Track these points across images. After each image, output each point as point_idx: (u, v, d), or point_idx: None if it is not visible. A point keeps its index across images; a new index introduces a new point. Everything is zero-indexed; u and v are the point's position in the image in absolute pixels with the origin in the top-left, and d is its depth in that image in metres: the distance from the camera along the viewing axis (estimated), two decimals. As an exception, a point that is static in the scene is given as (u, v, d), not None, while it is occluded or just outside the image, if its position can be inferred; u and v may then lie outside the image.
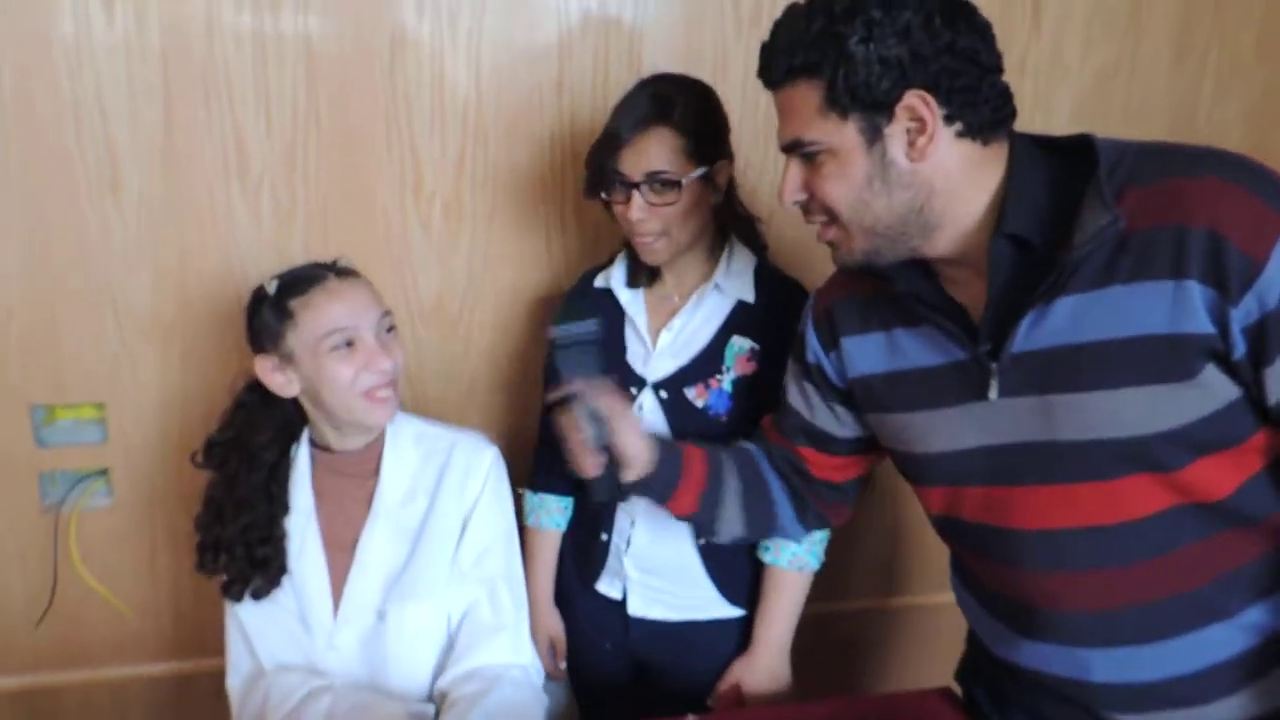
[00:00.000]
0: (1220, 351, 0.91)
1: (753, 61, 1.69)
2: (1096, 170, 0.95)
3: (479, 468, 1.40)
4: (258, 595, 1.35)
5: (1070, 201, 0.97)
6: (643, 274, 1.47)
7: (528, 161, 1.70)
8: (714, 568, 1.47)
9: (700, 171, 1.34)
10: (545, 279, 1.77)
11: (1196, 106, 1.93)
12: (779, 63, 1.01)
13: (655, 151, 1.31)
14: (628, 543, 1.50)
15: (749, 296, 1.40)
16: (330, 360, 1.29)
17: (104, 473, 1.71)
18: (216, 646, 1.78)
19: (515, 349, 1.79)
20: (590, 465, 1.18)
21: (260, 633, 1.36)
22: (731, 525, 1.26)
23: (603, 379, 1.17)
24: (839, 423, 1.24)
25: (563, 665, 1.61)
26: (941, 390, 1.08)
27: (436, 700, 1.35)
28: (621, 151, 1.32)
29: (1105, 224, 0.92)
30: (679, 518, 1.28)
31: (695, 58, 1.69)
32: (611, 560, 1.52)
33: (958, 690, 1.33)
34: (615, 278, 1.49)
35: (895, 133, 0.97)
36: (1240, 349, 0.90)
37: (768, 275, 1.43)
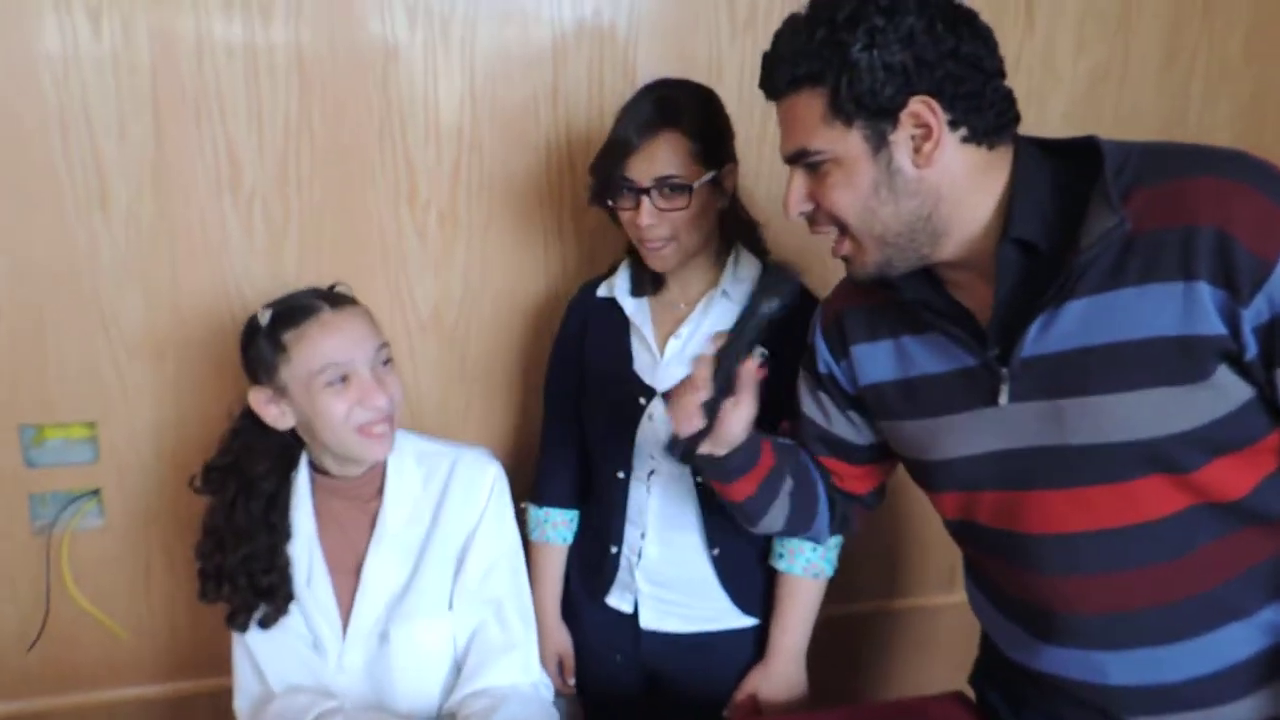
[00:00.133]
0: (1232, 352, 0.91)
1: (747, 66, 1.74)
2: (1102, 172, 0.95)
3: (481, 486, 1.38)
4: (265, 624, 1.32)
5: (1076, 204, 0.97)
6: (647, 282, 1.46)
7: (523, 170, 1.68)
8: (727, 578, 1.46)
9: (709, 176, 1.34)
10: (542, 288, 1.76)
11: (1186, 108, 1.95)
12: (781, 72, 1.00)
13: (664, 156, 1.31)
14: (638, 555, 1.48)
15: None
16: (324, 396, 1.26)
17: (96, 493, 1.68)
18: (213, 666, 1.78)
19: (513, 359, 1.78)
20: (693, 422, 1.11)
21: (269, 657, 1.34)
22: (775, 519, 1.24)
23: (754, 355, 1.12)
24: (856, 430, 1.23)
25: (571, 681, 1.59)
26: (952, 396, 1.07)
27: (445, 720, 1.33)
28: (630, 158, 1.32)
29: (1112, 226, 0.92)
30: (726, 501, 1.25)
31: (689, 63, 1.68)
32: (622, 573, 1.51)
33: (971, 694, 1.32)
34: (619, 287, 1.48)
35: (900, 140, 0.96)
36: (1252, 349, 0.90)
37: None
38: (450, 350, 1.75)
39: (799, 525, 1.26)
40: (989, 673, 1.27)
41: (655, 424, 1.43)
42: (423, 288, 1.70)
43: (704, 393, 1.09)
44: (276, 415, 1.30)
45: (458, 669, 1.37)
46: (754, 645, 1.49)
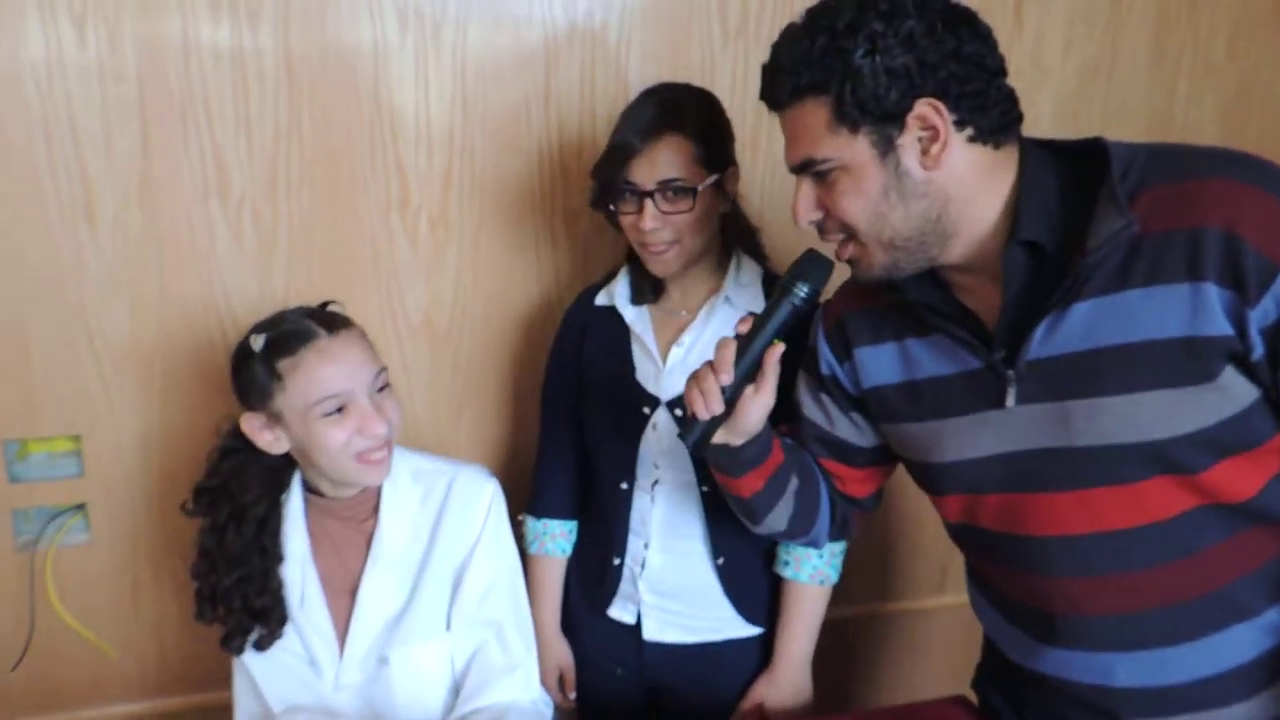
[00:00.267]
0: (1239, 353, 0.91)
1: (739, 71, 1.73)
2: (1109, 174, 0.95)
3: (479, 505, 1.36)
4: (260, 646, 1.30)
5: (1083, 206, 0.96)
6: (647, 290, 1.44)
7: (515, 175, 1.67)
8: (732, 587, 1.45)
9: (713, 179, 1.33)
10: (534, 294, 1.74)
11: (1173, 105, 1.96)
12: (783, 83, 0.99)
13: (668, 159, 1.30)
14: (642, 566, 1.47)
15: (760, 308, 1.37)
16: (322, 425, 1.23)
17: (81, 508, 1.64)
18: (203, 682, 1.75)
19: (505, 366, 1.76)
20: (710, 407, 1.08)
21: (267, 676, 1.32)
22: (778, 519, 1.23)
23: (780, 344, 1.09)
24: (859, 432, 1.22)
25: (572, 696, 1.57)
26: (957, 399, 1.07)
27: (446, 740, 1.31)
28: (633, 161, 1.30)
29: (1119, 228, 0.92)
30: (732, 497, 1.24)
31: (682, 68, 1.67)
32: (624, 585, 1.49)
33: (973, 698, 1.32)
34: (619, 295, 1.46)
35: (908, 143, 0.96)
36: (1259, 350, 0.90)
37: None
38: (442, 357, 1.73)
39: (801, 527, 1.25)
40: (991, 676, 1.26)
41: (659, 433, 1.42)
42: (414, 294, 1.68)
43: (726, 377, 1.07)
44: (270, 441, 1.27)
45: (456, 689, 1.35)
46: (758, 654, 1.48)
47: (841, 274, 1.11)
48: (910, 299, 1.06)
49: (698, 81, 1.53)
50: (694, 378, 1.10)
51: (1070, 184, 0.99)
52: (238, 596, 1.28)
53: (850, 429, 1.22)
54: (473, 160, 1.64)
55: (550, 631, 1.54)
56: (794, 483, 1.21)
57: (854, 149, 0.97)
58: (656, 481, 1.44)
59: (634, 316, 1.45)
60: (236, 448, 1.32)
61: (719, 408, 1.08)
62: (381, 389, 1.28)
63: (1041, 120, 1.87)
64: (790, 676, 1.44)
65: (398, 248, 1.65)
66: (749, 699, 1.46)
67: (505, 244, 1.70)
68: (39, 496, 1.62)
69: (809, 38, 0.97)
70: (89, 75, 1.47)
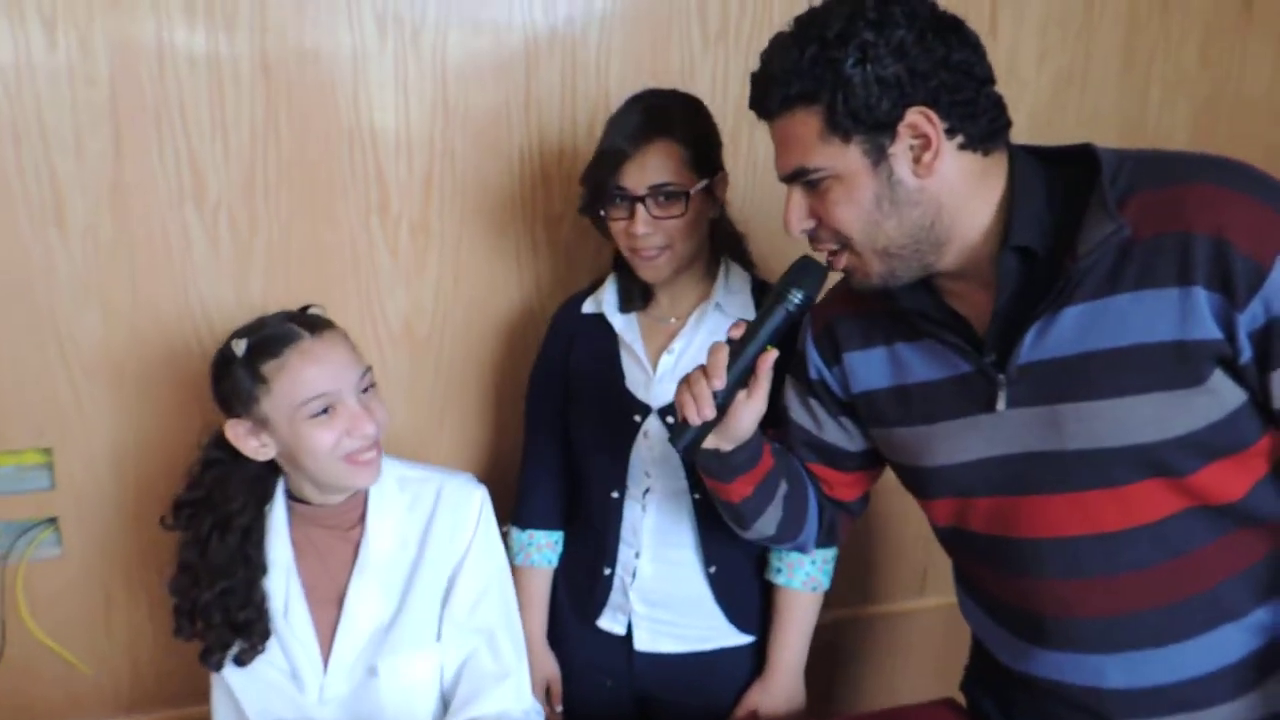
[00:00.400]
0: (1227, 356, 0.92)
1: (719, 76, 1.73)
2: (1099, 179, 0.96)
3: (468, 513, 1.34)
4: (241, 661, 1.28)
5: (1072, 211, 0.97)
6: (636, 297, 1.44)
7: (496, 180, 1.66)
8: (724, 596, 1.44)
9: (703, 183, 1.33)
10: (516, 300, 1.73)
11: (1145, 111, 1.98)
12: (774, 93, 0.99)
13: (658, 164, 1.30)
14: (633, 576, 1.45)
15: (750, 314, 1.38)
16: (309, 427, 1.21)
17: (52, 521, 1.61)
18: (178, 698, 1.72)
19: (487, 372, 1.75)
20: (702, 413, 1.07)
21: (248, 692, 1.29)
22: (767, 524, 1.22)
23: (773, 350, 1.09)
24: (848, 436, 1.22)
25: (559, 709, 1.55)
26: (947, 403, 1.07)
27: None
28: (624, 166, 1.30)
29: (1110, 233, 0.93)
30: (721, 503, 1.23)
31: (662, 73, 1.67)
32: (615, 595, 1.48)
33: (961, 700, 1.32)
34: (607, 302, 1.45)
35: (900, 151, 0.96)
36: (1247, 354, 0.91)
37: (767, 292, 1.41)
38: (422, 364, 1.71)
39: (790, 532, 1.25)
40: (980, 678, 1.27)
41: (651, 441, 1.41)
42: (394, 300, 1.66)
43: (719, 381, 1.06)
44: (256, 448, 1.25)
45: (445, 702, 1.33)
46: (750, 663, 1.48)
47: (832, 279, 1.11)
48: (902, 306, 1.07)
49: (678, 86, 1.53)
50: (686, 382, 1.09)
51: (1059, 189, 1.00)
52: (219, 610, 1.26)
53: (839, 434, 1.22)
54: (453, 166, 1.63)
55: (537, 644, 1.52)
56: (783, 488, 1.21)
57: (846, 158, 0.97)
58: (648, 490, 1.43)
59: (623, 324, 1.44)
60: (219, 458, 1.29)
61: (711, 413, 1.07)
62: (367, 389, 1.27)
63: (1017, 128, 1.86)
64: (784, 684, 1.44)
65: (377, 253, 1.63)
66: (743, 707, 1.45)
67: (486, 250, 1.69)
68: (8, 510, 1.58)
69: (799, 47, 0.96)
70: (59, 78, 1.44)
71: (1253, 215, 0.90)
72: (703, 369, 1.08)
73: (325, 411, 1.22)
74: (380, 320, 1.66)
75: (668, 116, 1.31)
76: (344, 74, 1.55)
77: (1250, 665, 1.02)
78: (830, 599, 2.03)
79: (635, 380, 1.43)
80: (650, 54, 1.67)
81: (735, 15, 1.70)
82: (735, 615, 1.45)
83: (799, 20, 1.00)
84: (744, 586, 1.46)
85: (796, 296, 1.05)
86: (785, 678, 1.44)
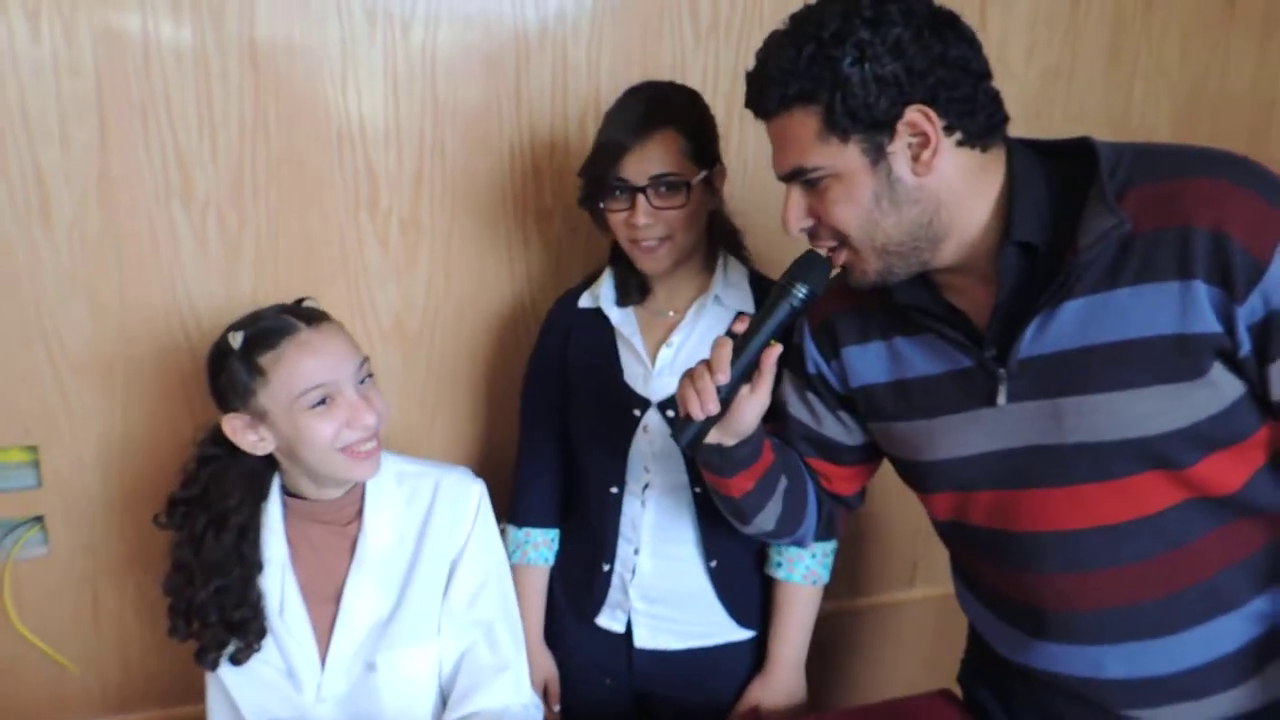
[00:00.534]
0: (1227, 349, 0.93)
1: (710, 71, 1.73)
2: (1098, 173, 0.96)
3: (466, 507, 1.34)
4: (237, 660, 1.27)
5: (1071, 205, 0.98)
6: (633, 291, 1.43)
7: (487, 175, 1.65)
8: (725, 591, 1.44)
9: (703, 174, 1.33)
10: (507, 295, 1.72)
11: (1129, 108, 2.00)
12: (771, 93, 0.99)
13: (659, 155, 1.29)
14: (632, 572, 1.45)
15: (749, 307, 1.38)
16: (308, 419, 1.20)
17: (38, 520, 1.58)
18: (167, 698, 1.70)
19: (479, 368, 1.74)
20: (705, 407, 1.06)
21: (244, 691, 1.28)
22: (767, 519, 1.22)
23: (778, 345, 1.08)
24: (847, 431, 1.23)
25: (557, 708, 1.55)
26: (947, 397, 1.08)
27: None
28: (625, 157, 1.29)
29: (1111, 226, 0.93)
30: (721, 498, 1.23)
31: (654, 67, 1.67)
32: (614, 592, 1.47)
33: (958, 691, 1.33)
34: (604, 297, 1.45)
35: (899, 150, 0.96)
36: (1246, 346, 0.92)
37: (765, 286, 1.41)
38: (414, 360, 1.70)
39: (789, 527, 1.25)
40: (978, 670, 1.28)
41: (651, 435, 1.41)
42: (384, 296, 1.65)
43: (723, 376, 1.06)
44: (254, 442, 1.24)
45: (443, 697, 1.32)
46: (750, 658, 1.48)
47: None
48: (900, 301, 1.07)
49: (669, 80, 1.53)
50: (689, 377, 1.09)
51: (1058, 183, 1.00)
52: (214, 609, 1.24)
53: (838, 428, 1.23)
54: (443, 160, 1.62)
55: (534, 643, 1.51)
56: (783, 483, 1.21)
57: (845, 157, 0.97)
58: (647, 485, 1.43)
59: (620, 318, 1.43)
60: (215, 454, 1.28)
61: (715, 408, 1.07)
62: (365, 380, 1.26)
63: (1006, 121, 1.89)
64: (785, 678, 1.44)
65: (367, 249, 1.62)
66: (744, 702, 1.46)
67: (477, 244, 1.68)
68: (-7, 509, 1.56)
69: (795, 46, 0.96)
70: (43, 69, 1.42)
71: (1251, 209, 0.90)
72: (706, 363, 1.08)
73: (324, 402, 1.21)
74: (371, 316, 1.65)
75: (668, 107, 1.31)
76: (333, 68, 1.53)
77: (1249, 654, 1.03)
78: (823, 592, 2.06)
79: (634, 374, 1.43)
80: (641, 48, 1.67)
81: (726, 10, 1.69)
82: (736, 610, 1.45)
83: (794, 19, 0.99)
84: (744, 581, 1.46)
85: (801, 291, 1.05)
86: (786, 672, 1.44)
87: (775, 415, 1.27)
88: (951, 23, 0.97)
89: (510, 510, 1.55)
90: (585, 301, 1.48)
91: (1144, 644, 1.03)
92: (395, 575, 1.31)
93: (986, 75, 1.00)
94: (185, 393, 1.58)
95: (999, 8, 1.84)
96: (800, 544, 1.33)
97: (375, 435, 1.25)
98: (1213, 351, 0.93)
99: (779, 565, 1.43)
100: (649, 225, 1.31)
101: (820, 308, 1.20)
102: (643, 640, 1.47)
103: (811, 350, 1.21)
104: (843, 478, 1.27)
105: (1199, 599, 1.01)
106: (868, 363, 1.15)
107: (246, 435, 1.24)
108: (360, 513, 1.30)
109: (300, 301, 1.31)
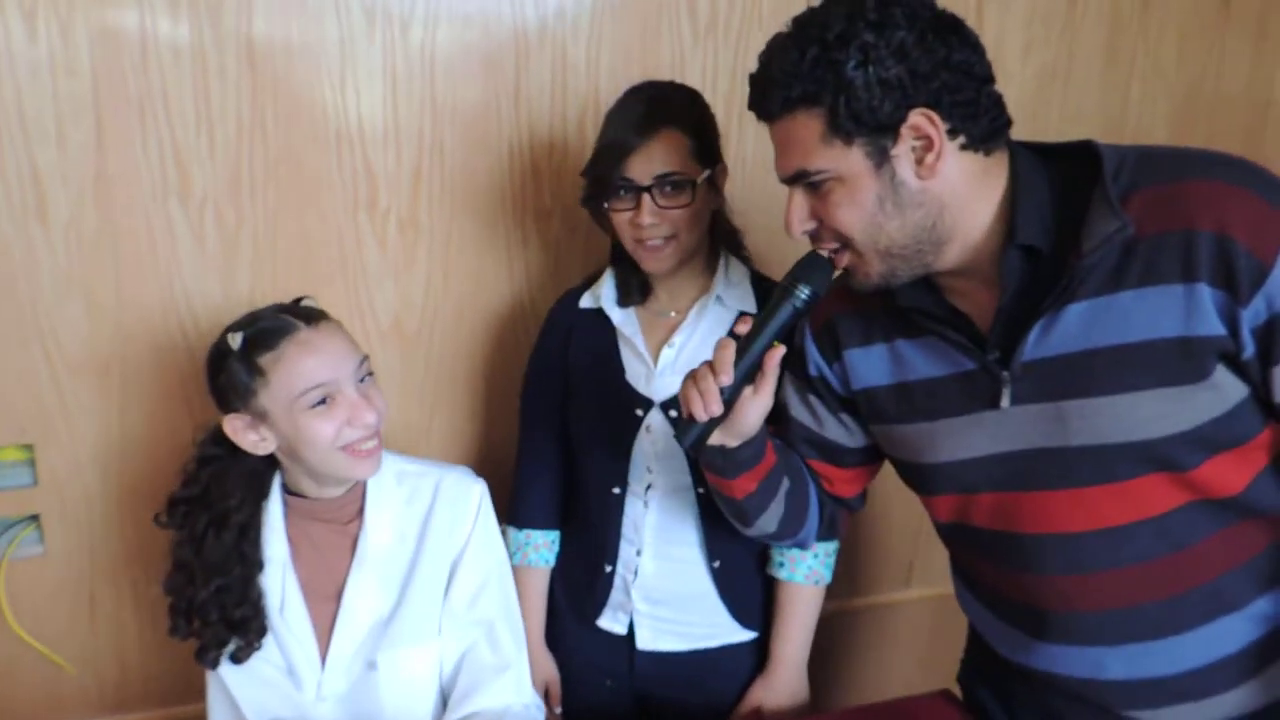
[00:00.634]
0: (1231, 352, 0.93)
1: (709, 70, 1.73)
2: (1102, 175, 0.96)
3: (467, 506, 1.34)
4: (238, 659, 1.26)
5: (1074, 208, 0.98)
6: (634, 291, 1.43)
7: (486, 175, 1.64)
8: (727, 591, 1.44)
9: (707, 173, 1.33)
10: (506, 295, 1.72)
11: (1126, 108, 2.01)
12: (775, 95, 0.99)
13: (665, 154, 1.29)
14: (634, 573, 1.45)
15: (750, 307, 1.38)
16: (308, 418, 1.20)
17: (34, 519, 1.58)
18: (164, 697, 1.70)
19: (477, 367, 1.74)
20: (708, 409, 1.06)
21: (245, 690, 1.28)
22: (769, 521, 1.22)
23: (781, 346, 1.08)
24: (848, 433, 1.23)
25: (558, 711, 1.54)
26: (950, 400, 1.08)
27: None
28: (630, 158, 1.29)
29: (1115, 230, 0.93)
30: (724, 499, 1.23)
31: (653, 66, 1.66)
32: (616, 593, 1.47)
33: (957, 692, 1.33)
34: (605, 297, 1.44)
35: (902, 153, 0.96)
36: (1250, 349, 0.92)
37: (767, 286, 1.41)
38: (412, 359, 1.69)
39: (791, 529, 1.25)
40: (978, 670, 1.28)
41: (654, 435, 1.40)
42: (383, 295, 1.65)
43: (726, 377, 1.06)
44: (255, 442, 1.24)
45: (444, 697, 1.32)
46: (752, 659, 1.48)
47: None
48: (902, 304, 1.07)
49: (668, 80, 1.53)
50: (692, 378, 1.09)
51: (1061, 186, 1.00)
52: (215, 608, 1.24)
53: (839, 430, 1.23)
54: (442, 160, 1.61)
55: (535, 645, 1.50)
56: (785, 484, 1.21)
57: (848, 160, 0.97)
58: (650, 486, 1.43)
59: (621, 318, 1.43)
60: (216, 454, 1.28)
61: (718, 409, 1.07)
62: (365, 378, 1.26)
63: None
64: (787, 679, 1.44)
65: (366, 248, 1.62)
66: (746, 703, 1.46)
67: (476, 244, 1.67)
68: (-11, 508, 1.55)
69: (799, 49, 0.96)
70: (39, 69, 1.41)
71: (1255, 211, 0.91)
72: (709, 365, 1.08)
73: (324, 402, 1.21)
74: (369, 315, 1.65)
75: (671, 106, 1.32)
76: (332, 66, 1.53)
77: (1250, 655, 1.03)
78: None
79: (636, 374, 1.42)
80: (640, 48, 1.67)
81: (725, 9, 1.69)
82: (738, 611, 1.45)
83: (797, 21, 0.99)
84: (747, 582, 1.46)
85: (804, 292, 1.05)
86: (788, 672, 1.45)
87: (777, 417, 1.27)
88: (955, 26, 0.97)
89: (510, 512, 1.55)
90: (586, 302, 1.47)
91: (1145, 645, 1.04)
92: (396, 574, 1.30)
93: (990, 79, 1.00)
94: (183, 392, 1.58)
95: (995, 7, 1.84)
96: (802, 546, 1.33)
97: (376, 434, 1.25)
98: (1216, 354, 0.93)
99: (781, 565, 1.43)
100: (654, 225, 1.31)
101: (822, 310, 1.20)
102: (645, 642, 1.47)
103: (813, 352, 1.21)
104: (844, 480, 1.27)
105: (1201, 600, 1.02)
106: (870, 365, 1.15)
107: (247, 435, 1.23)
108: (361, 511, 1.30)
109: (299, 301, 1.31)
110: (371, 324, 1.65)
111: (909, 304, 1.07)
